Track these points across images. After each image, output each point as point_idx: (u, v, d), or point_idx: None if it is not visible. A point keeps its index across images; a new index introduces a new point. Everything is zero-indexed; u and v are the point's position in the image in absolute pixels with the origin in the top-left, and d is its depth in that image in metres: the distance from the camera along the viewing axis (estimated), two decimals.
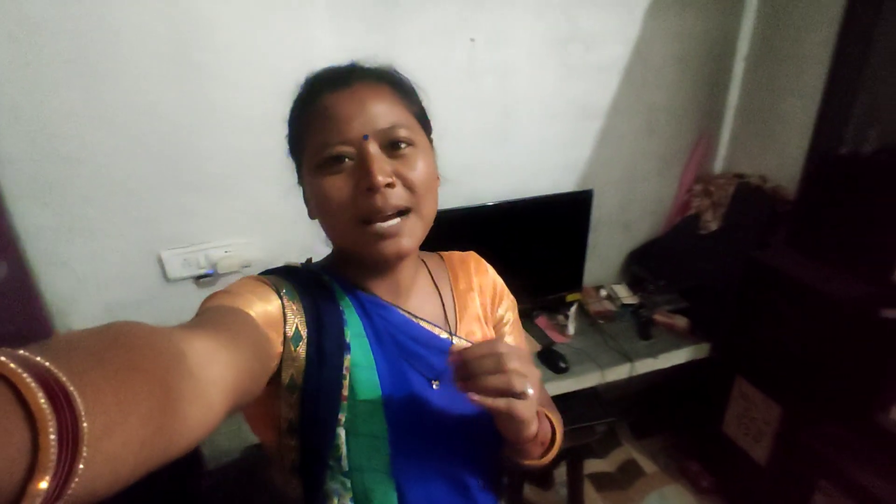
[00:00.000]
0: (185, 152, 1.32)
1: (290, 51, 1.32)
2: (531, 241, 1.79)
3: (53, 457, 0.23)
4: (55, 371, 0.25)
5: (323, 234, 1.69)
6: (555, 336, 1.81)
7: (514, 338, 0.79)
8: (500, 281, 0.80)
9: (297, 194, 1.52)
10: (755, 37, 1.90)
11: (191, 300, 1.49)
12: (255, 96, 1.31)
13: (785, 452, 1.61)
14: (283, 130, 1.45)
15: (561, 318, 1.87)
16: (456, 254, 0.79)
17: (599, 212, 1.98)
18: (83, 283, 1.34)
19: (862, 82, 1.40)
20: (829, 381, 1.52)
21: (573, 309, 1.83)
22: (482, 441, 0.67)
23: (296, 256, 1.51)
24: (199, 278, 1.47)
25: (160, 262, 1.42)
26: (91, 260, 1.33)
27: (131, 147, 1.27)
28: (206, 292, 1.49)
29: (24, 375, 0.23)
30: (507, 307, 0.78)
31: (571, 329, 1.82)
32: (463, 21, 1.54)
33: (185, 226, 1.39)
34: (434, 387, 0.66)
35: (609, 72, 1.80)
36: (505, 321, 0.77)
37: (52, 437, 0.23)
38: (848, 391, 1.52)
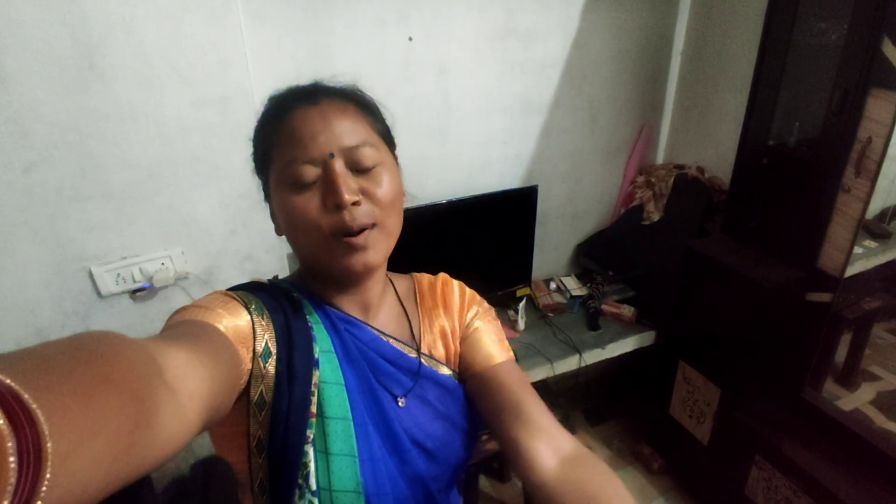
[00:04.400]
0: (95, 162, 1.23)
1: (205, 52, 1.24)
2: (479, 238, 1.80)
3: (13, 479, 0.22)
4: (15, 388, 0.24)
5: (266, 243, 1.65)
6: (506, 332, 1.84)
7: (493, 338, 0.74)
8: (468, 292, 0.79)
9: (229, 203, 1.48)
10: (690, 33, 1.95)
11: (128, 316, 1.43)
12: (170, 101, 1.25)
13: (724, 431, 1.69)
14: (202, 138, 1.40)
15: (511, 313, 1.89)
16: (426, 276, 0.80)
17: (547, 205, 2.01)
18: (3, 308, 1.27)
19: (784, 79, 1.46)
20: (761, 362, 1.60)
21: (522, 304, 1.86)
22: (448, 457, 0.68)
23: (234, 267, 1.49)
24: (134, 292, 1.41)
25: (92, 278, 1.36)
26: (6, 283, 1.25)
27: (31, 158, 1.17)
28: (143, 307, 1.45)
29: None
30: (476, 313, 0.77)
31: (521, 324, 1.85)
32: (399, 17, 1.52)
33: (109, 239, 1.32)
34: (400, 404, 0.66)
35: (550, 67, 1.81)
36: (473, 324, 0.76)
37: (12, 458, 0.22)
38: (779, 371, 1.61)
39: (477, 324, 0.76)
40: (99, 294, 1.38)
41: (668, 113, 2.11)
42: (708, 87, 1.92)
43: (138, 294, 1.42)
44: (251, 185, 1.59)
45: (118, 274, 1.37)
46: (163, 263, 1.41)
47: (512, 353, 0.75)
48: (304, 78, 0.65)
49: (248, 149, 1.53)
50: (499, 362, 0.72)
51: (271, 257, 1.49)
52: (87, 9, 1.11)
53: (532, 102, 1.84)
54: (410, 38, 1.55)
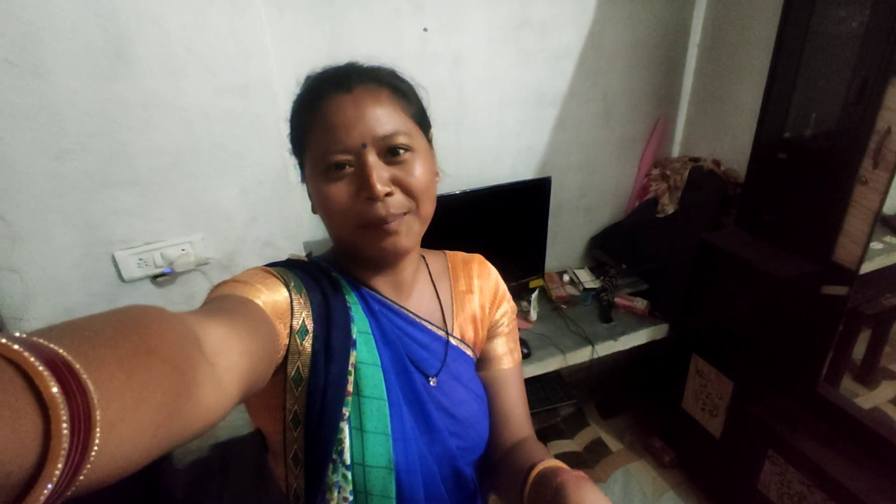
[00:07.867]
0: (124, 149, 1.27)
1: (227, 42, 1.28)
2: (492, 229, 1.81)
3: (66, 444, 0.23)
4: (67, 357, 0.25)
5: (285, 230, 1.67)
6: (518, 323, 1.85)
7: (507, 343, 0.79)
8: (503, 286, 0.81)
9: (249, 190, 1.52)
10: (707, 24, 1.93)
11: (149, 300, 1.48)
12: (193, 90, 1.28)
13: (737, 425, 1.68)
14: (224, 126, 1.44)
15: (524, 304, 1.90)
16: (460, 254, 0.81)
17: (560, 197, 2.01)
18: (34, 289, 1.32)
19: (801, 69, 1.44)
20: (775, 357, 1.58)
21: (535, 295, 1.87)
22: (475, 436, 0.71)
23: (254, 253, 1.52)
24: (155, 278, 1.46)
25: (115, 262, 1.40)
26: (39, 264, 1.30)
27: (65, 146, 1.22)
28: (165, 292, 1.50)
29: (35, 362, 0.23)
30: (505, 312, 0.79)
31: (534, 315, 1.86)
32: (414, 8, 1.53)
33: (134, 225, 1.36)
34: (432, 384, 0.68)
35: (564, 58, 1.81)
36: (500, 324, 0.78)
37: (65, 424, 0.23)
38: (793, 365, 1.59)
39: (501, 327, 0.78)
40: (121, 278, 1.42)
41: (684, 105, 2.09)
42: (724, 79, 1.90)
43: (159, 279, 1.46)
44: (271, 173, 1.63)
45: (140, 259, 1.42)
46: (183, 249, 1.45)
47: (520, 356, 0.80)
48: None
49: (268, 138, 1.58)
50: (505, 368, 0.77)
51: (291, 244, 1.52)
52: (117, 1, 1.15)
53: (546, 94, 1.84)
54: (425, 29, 1.56)
